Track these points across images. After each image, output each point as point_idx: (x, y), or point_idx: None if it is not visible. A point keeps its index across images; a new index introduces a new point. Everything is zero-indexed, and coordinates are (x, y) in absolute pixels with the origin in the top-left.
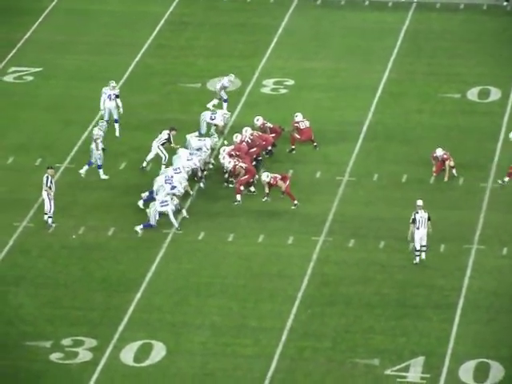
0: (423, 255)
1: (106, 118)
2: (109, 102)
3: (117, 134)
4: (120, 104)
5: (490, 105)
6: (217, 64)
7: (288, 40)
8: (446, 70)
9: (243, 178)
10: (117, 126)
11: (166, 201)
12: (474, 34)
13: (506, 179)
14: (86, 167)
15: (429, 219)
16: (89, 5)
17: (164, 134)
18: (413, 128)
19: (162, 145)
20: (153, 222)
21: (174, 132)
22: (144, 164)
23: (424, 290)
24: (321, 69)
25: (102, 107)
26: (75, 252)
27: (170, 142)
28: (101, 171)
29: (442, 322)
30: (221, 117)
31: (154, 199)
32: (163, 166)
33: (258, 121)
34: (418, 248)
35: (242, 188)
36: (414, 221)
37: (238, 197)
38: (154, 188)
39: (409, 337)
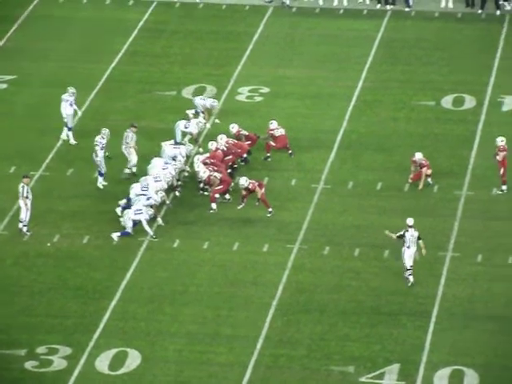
0: (411, 278)
1: (70, 125)
2: (69, 108)
3: (72, 141)
4: (77, 108)
5: (465, 112)
6: (192, 71)
7: (263, 48)
8: (420, 78)
9: (218, 188)
10: (70, 133)
11: (140, 209)
12: (448, 41)
13: (504, 187)
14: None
15: (419, 238)
16: (64, 12)
17: (126, 133)
18: (388, 136)
19: (126, 144)
20: (129, 230)
21: (133, 128)
22: (127, 171)
23: (399, 298)
24: (296, 76)
25: (64, 115)
26: (50, 260)
27: (129, 142)
28: (100, 179)
29: (416, 330)
30: (195, 125)
31: (130, 207)
32: (127, 170)
33: (234, 128)
34: (408, 267)
35: (216, 196)
36: (401, 236)
37: (213, 205)
38: (131, 195)
39: (384, 344)
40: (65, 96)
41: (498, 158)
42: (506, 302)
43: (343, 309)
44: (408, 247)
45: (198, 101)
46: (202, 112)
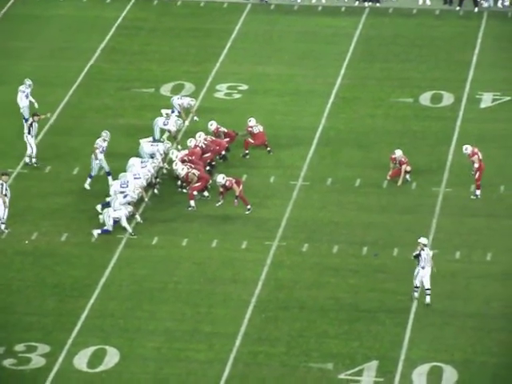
0: (428, 298)
1: (26, 116)
2: (25, 100)
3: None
4: (33, 100)
5: (443, 109)
6: (170, 69)
7: (241, 45)
8: (398, 75)
9: (196, 185)
10: (25, 124)
11: (118, 207)
12: (426, 38)
13: (478, 192)
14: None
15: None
16: (42, 10)
17: (28, 123)
18: (366, 133)
19: (28, 134)
20: (110, 227)
21: (36, 117)
22: (27, 160)
23: (377, 295)
24: (274, 73)
25: (20, 105)
26: (28, 258)
27: (31, 131)
28: (88, 180)
29: (395, 326)
30: (174, 122)
31: (110, 204)
32: (26, 158)
33: (212, 125)
34: (417, 285)
35: (195, 193)
36: (417, 256)
37: (192, 202)
38: (110, 193)
39: (362, 341)
40: (21, 87)
41: (475, 165)
42: (484, 299)
43: (322, 306)
44: (423, 267)
45: (176, 101)
46: (179, 112)
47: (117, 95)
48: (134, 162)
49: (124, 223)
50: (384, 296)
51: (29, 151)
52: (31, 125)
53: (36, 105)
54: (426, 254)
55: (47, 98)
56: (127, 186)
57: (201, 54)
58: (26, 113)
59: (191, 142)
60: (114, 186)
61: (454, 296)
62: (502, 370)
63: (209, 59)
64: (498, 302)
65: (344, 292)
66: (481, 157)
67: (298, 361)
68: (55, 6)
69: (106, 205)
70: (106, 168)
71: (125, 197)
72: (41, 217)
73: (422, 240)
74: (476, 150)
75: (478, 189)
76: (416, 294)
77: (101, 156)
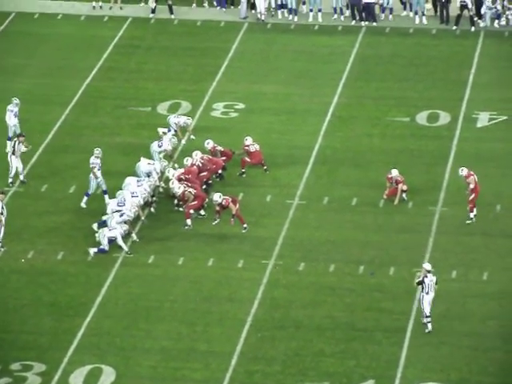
0: (429, 326)
1: (10, 134)
2: (14, 118)
3: (9, 149)
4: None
5: (439, 129)
6: (167, 87)
7: (238, 64)
8: (395, 94)
9: (192, 203)
10: (8, 143)
11: (114, 226)
12: (423, 58)
13: (472, 214)
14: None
15: (436, 283)
16: (39, 28)
17: (12, 142)
18: (362, 152)
19: (12, 154)
20: (105, 247)
21: (21, 138)
22: (10, 180)
23: (374, 314)
24: (271, 92)
25: (10, 124)
26: (24, 276)
27: (15, 152)
28: (85, 199)
29: (391, 346)
30: (168, 141)
31: (106, 223)
32: (10, 179)
33: (209, 144)
34: (428, 314)
35: (191, 212)
36: (420, 283)
37: (188, 221)
38: (107, 211)
39: (359, 360)
40: (9, 106)
41: (471, 186)
42: (480, 318)
43: (318, 325)
44: (427, 293)
45: (172, 119)
46: (175, 130)
47: (114, 113)
48: (130, 180)
49: (120, 242)
50: (380, 315)
51: (12, 172)
52: (14, 145)
53: (18, 126)
54: (430, 280)
55: (44, 116)
56: (124, 205)
57: (197, 72)
58: (10, 131)
59: (188, 161)
60: (111, 204)
61: (450, 315)
62: None
63: (205, 78)
64: (494, 321)
65: (340, 311)
66: (476, 179)
67: (295, 380)
68: (53, 25)
69: (103, 223)
70: (104, 187)
71: (121, 215)
72: (37, 235)
73: (426, 266)
74: (471, 172)
75: (472, 211)
76: (430, 326)
77: (99, 173)
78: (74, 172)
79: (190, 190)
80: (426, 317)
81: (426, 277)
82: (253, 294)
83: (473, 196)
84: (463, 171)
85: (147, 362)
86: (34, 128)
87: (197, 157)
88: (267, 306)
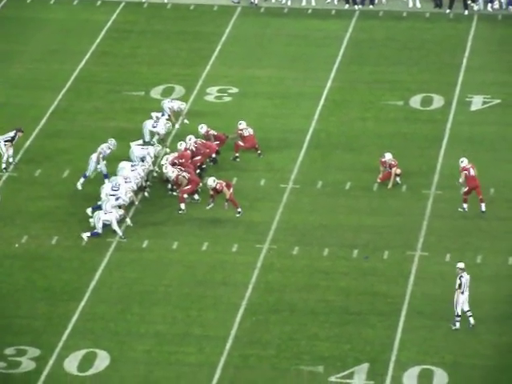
0: (471, 320)
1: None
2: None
3: None
4: None
5: (433, 112)
6: (160, 72)
7: (232, 48)
8: (389, 78)
9: (186, 188)
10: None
11: (109, 210)
12: (416, 41)
13: (465, 205)
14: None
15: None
16: (32, 13)
17: (11, 133)
18: (356, 136)
19: (6, 142)
20: (99, 230)
21: (20, 133)
22: (4, 165)
23: (368, 297)
24: (264, 76)
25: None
26: (18, 261)
27: (12, 142)
28: (82, 180)
29: (385, 329)
30: (163, 125)
31: (101, 208)
32: (3, 164)
33: (202, 128)
34: (459, 313)
35: (185, 196)
36: (460, 286)
37: (182, 205)
38: (102, 196)
39: (353, 344)
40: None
41: (460, 179)
42: (474, 301)
43: (312, 308)
44: (462, 292)
45: (166, 104)
46: (169, 115)
47: (107, 98)
48: (124, 165)
49: (115, 226)
50: (374, 299)
51: (4, 158)
52: (14, 137)
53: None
54: (466, 279)
55: (37, 101)
56: (118, 189)
57: (191, 56)
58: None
59: (181, 145)
60: (106, 188)
61: (444, 298)
62: (491, 373)
63: (199, 62)
64: (488, 305)
65: (334, 295)
66: (474, 173)
67: (289, 364)
68: (46, 9)
69: (97, 208)
70: (105, 171)
71: (116, 199)
72: (31, 220)
73: (460, 265)
74: (469, 165)
75: (465, 202)
76: (458, 325)
77: (101, 161)
78: (67, 157)
79: (184, 174)
80: (457, 316)
81: (462, 276)
82: (247, 278)
83: (466, 189)
84: (463, 162)
85: (142, 346)
86: (27, 113)
87: (190, 141)
88: (261, 290)
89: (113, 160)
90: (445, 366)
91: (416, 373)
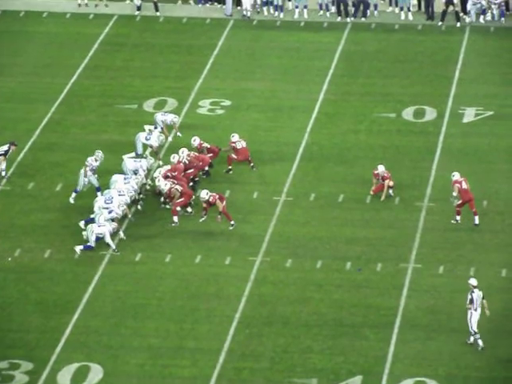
0: (480, 342)
1: None
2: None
3: None
4: None
5: (426, 124)
6: (153, 85)
7: (224, 60)
8: (381, 90)
9: (179, 200)
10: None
11: (102, 223)
12: (409, 54)
13: (458, 217)
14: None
15: (482, 298)
16: (24, 26)
17: (5, 146)
18: (349, 148)
19: (4, 155)
20: (92, 243)
21: (14, 147)
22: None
23: (361, 310)
24: (257, 89)
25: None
26: (11, 274)
27: (6, 156)
28: (73, 194)
29: (379, 341)
30: (156, 138)
31: (93, 221)
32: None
33: (195, 141)
34: (476, 330)
35: (178, 209)
36: (471, 301)
37: (175, 218)
38: (95, 209)
39: (346, 356)
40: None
41: (453, 193)
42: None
43: (306, 321)
44: (475, 309)
45: (159, 117)
46: (162, 128)
47: (100, 111)
48: (116, 178)
49: (108, 239)
50: (368, 311)
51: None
52: (8, 150)
53: None
54: (477, 295)
55: (30, 114)
56: (112, 202)
57: (183, 69)
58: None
59: (174, 158)
60: (99, 202)
61: (437, 310)
62: None
63: (191, 75)
64: (481, 317)
65: (328, 307)
66: (466, 186)
67: (283, 376)
68: (38, 23)
69: (90, 221)
70: (96, 184)
71: (110, 212)
72: (24, 233)
73: (472, 281)
74: (461, 179)
75: (458, 214)
76: (480, 342)
77: (90, 173)
78: (60, 170)
79: (177, 187)
80: (475, 333)
81: (473, 292)
82: (240, 291)
83: (460, 201)
84: (454, 176)
85: (135, 359)
86: (20, 126)
87: (183, 154)
88: (255, 303)
89: (105, 173)
90: (438, 378)
91: None
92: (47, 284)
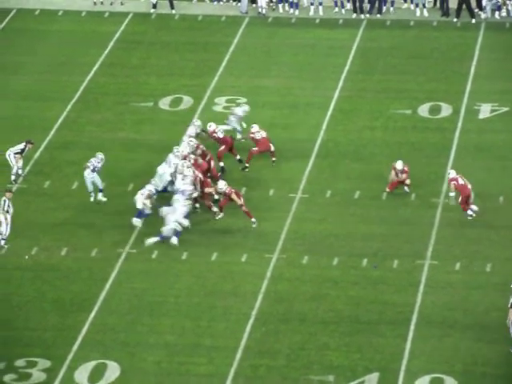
0: None
1: None
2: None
3: None
4: None
5: (441, 121)
6: (169, 82)
7: (240, 58)
8: (396, 87)
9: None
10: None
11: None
12: (424, 50)
13: (470, 212)
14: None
15: None
16: (40, 25)
17: (21, 145)
18: (365, 145)
19: (16, 154)
20: (174, 234)
21: (30, 145)
22: (13, 177)
23: (378, 306)
24: (273, 86)
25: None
26: (28, 273)
27: (22, 154)
28: (100, 194)
29: (395, 338)
30: (186, 144)
31: (144, 215)
32: (12, 176)
33: (211, 127)
34: None
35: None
36: None
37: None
38: (138, 206)
39: (363, 353)
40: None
41: (450, 193)
42: (484, 310)
43: (322, 318)
44: None
45: (237, 112)
46: (239, 131)
47: (116, 109)
48: (163, 170)
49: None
50: (384, 308)
51: (14, 170)
52: (24, 149)
53: None
54: None
55: (46, 112)
56: (186, 182)
57: (199, 67)
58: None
59: (211, 127)
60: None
61: (453, 307)
62: (501, 381)
63: (207, 73)
64: (497, 313)
65: (344, 304)
66: (462, 181)
67: (299, 373)
68: (53, 21)
69: (141, 215)
70: (100, 185)
71: (184, 193)
72: (40, 232)
73: None
74: (458, 176)
75: (465, 210)
76: None
77: (87, 172)
78: (76, 168)
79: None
80: None
81: None
82: (257, 288)
83: (460, 198)
84: (450, 174)
85: (152, 357)
86: (36, 125)
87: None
88: (271, 300)
89: (121, 171)
90: (455, 375)
91: (426, 382)
92: (64, 282)
